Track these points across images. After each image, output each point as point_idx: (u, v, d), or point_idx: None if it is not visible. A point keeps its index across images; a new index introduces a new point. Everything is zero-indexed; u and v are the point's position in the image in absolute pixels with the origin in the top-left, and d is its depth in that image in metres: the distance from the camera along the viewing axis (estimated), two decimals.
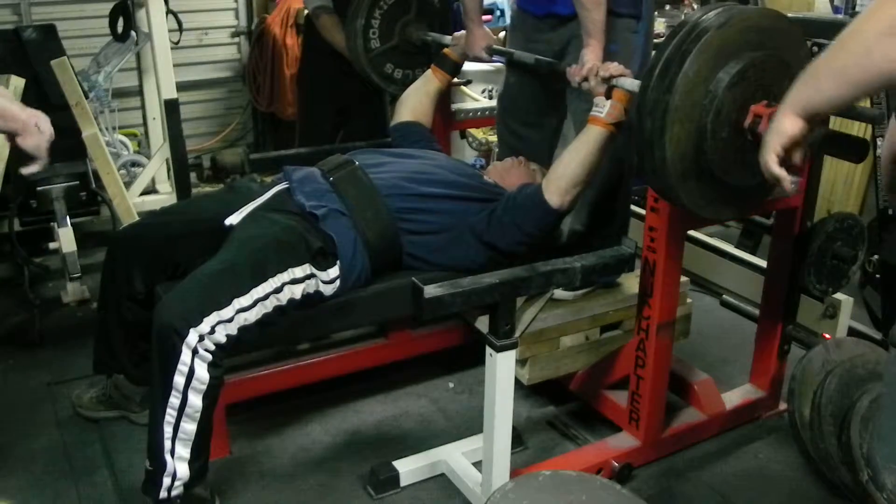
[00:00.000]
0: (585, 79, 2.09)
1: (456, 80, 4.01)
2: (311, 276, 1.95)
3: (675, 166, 1.69)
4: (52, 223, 3.23)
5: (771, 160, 1.38)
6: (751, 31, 1.67)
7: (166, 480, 1.86)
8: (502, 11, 4.98)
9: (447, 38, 2.72)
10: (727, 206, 1.88)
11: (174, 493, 1.88)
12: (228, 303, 1.82)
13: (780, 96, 1.68)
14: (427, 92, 2.63)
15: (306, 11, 3.45)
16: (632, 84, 1.98)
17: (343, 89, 3.36)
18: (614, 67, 2.02)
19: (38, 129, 1.77)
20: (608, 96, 2.03)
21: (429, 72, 2.66)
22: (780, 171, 1.39)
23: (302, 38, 3.80)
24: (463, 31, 2.65)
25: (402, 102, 2.64)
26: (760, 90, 1.67)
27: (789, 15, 2.72)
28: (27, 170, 1.83)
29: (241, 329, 1.84)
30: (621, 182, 2.41)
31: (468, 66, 4.34)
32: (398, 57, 2.94)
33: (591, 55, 2.14)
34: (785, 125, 1.32)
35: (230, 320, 1.82)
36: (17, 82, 3.08)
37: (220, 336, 1.81)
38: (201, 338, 1.79)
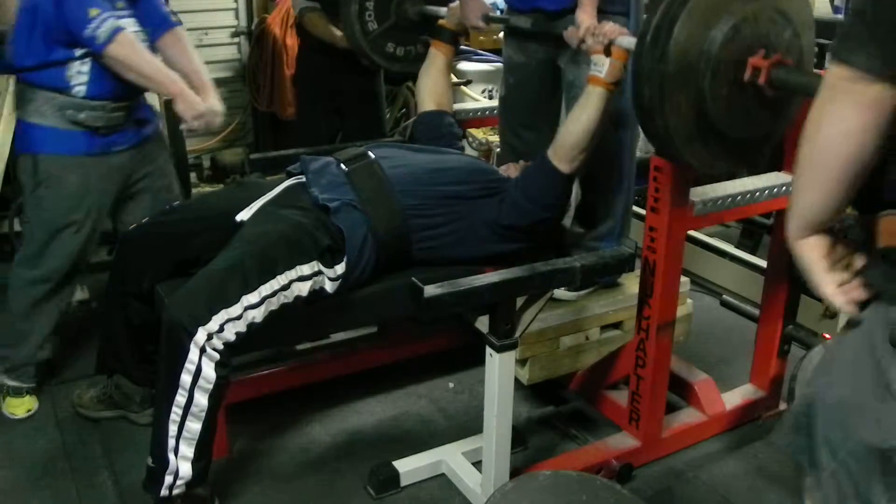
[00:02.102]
0: (583, 40, 2.07)
1: (456, 80, 4.02)
2: (319, 272, 1.95)
3: (677, 132, 1.67)
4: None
5: (828, 293, 1.19)
6: None
7: (168, 479, 1.86)
8: (502, 11, 4.98)
9: (443, 10, 2.69)
10: (738, 159, 1.87)
11: (175, 491, 1.88)
12: (237, 300, 1.82)
13: (778, 45, 1.66)
14: (437, 68, 2.63)
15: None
16: (629, 42, 1.96)
17: (340, 89, 3.36)
18: (610, 29, 2.00)
19: (188, 98, 2.32)
20: (607, 53, 2.02)
21: (431, 49, 2.64)
22: (843, 300, 1.18)
23: (298, 39, 3.82)
24: (457, 2, 2.62)
25: (419, 90, 2.65)
26: (757, 41, 1.64)
27: None
28: (183, 126, 2.40)
29: (250, 326, 1.84)
30: (620, 175, 2.40)
31: (468, 66, 4.37)
32: (398, 35, 2.89)
33: (584, 16, 2.11)
34: (803, 257, 1.21)
35: (239, 318, 1.82)
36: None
37: (230, 334, 1.81)
38: (210, 336, 1.79)
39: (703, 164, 1.80)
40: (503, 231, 2.15)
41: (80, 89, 2.29)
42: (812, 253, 1.20)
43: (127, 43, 2.23)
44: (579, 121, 2.06)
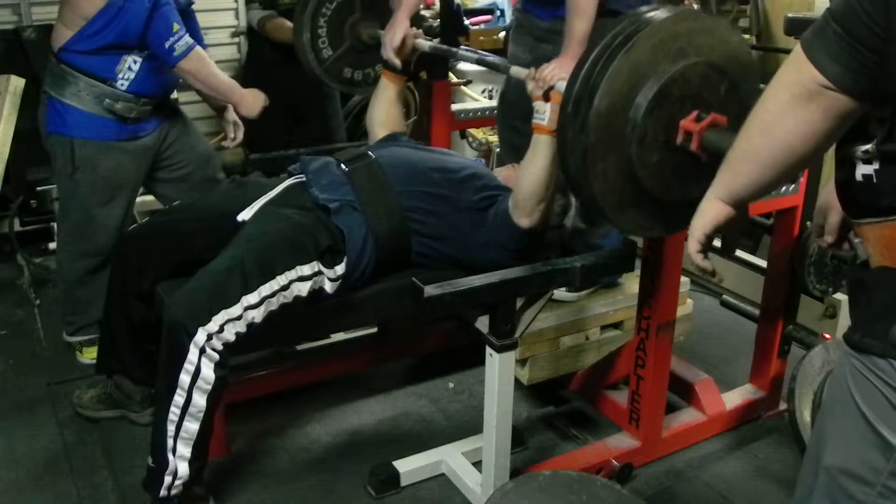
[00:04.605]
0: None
1: (456, 79, 4.02)
2: (319, 273, 1.95)
3: (607, 200, 1.58)
4: (52, 223, 3.23)
5: (693, 249, 1.29)
6: (665, 44, 1.52)
7: (168, 479, 1.87)
8: (502, 11, 4.98)
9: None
10: (678, 222, 1.75)
11: (174, 491, 1.89)
12: (237, 300, 1.82)
13: (712, 102, 1.55)
14: (388, 99, 2.50)
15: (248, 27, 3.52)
16: None
17: (291, 97, 3.37)
18: (549, 73, 1.91)
19: (248, 102, 2.63)
20: (546, 99, 1.92)
21: (382, 78, 2.53)
22: (704, 263, 1.30)
23: (249, 49, 3.83)
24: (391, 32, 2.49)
25: (370, 119, 2.52)
26: (689, 102, 1.55)
27: (789, 15, 2.70)
28: (229, 143, 2.84)
29: (249, 326, 1.84)
30: None
31: (468, 67, 4.37)
32: (354, 58, 2.81)
33: (556, 63, 2.01)
34: (708, 212, 1.24)
35: (238, 318, 1.82)
36: (17, 82, 3.08)
37: (229, 334, 1.81)
38: (210, 336, 1.79)
39: (639, 230, 1.72)
40: (496, 248, 2.08)
41: (124, 84, 2.49)
42: (712, 215, 1.24)
43: (199, 58, 2.52)
44: (530, 172, 1.97)
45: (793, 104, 1.06)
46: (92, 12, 2.41)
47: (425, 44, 2.46)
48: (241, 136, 2.80)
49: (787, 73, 1.07)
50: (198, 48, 2.51)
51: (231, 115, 2.81)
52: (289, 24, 3.30)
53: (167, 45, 2.42)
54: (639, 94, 1.51)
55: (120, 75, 2.47)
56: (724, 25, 1.65)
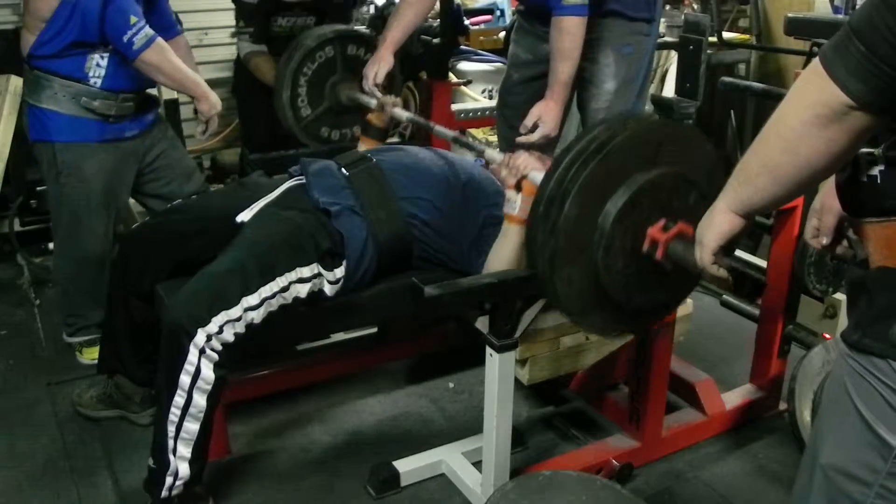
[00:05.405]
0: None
1: (456, 79, 4.02)
2: (318, 275, 1.95)
3: (572, 303, 1.59)
4: (51, 223, 3.23)
5: (708, 262, 1.32)
6: (639, 151, 1.53)
7: (169, 479, 1.87)
8: (502, 11, 4.99)
9: (373, 102, 2.53)
10: (641, 324, 1.79)
11: (175, 492, 1.89)
12: (237, 302, 1.82)
13: (681, 211, 1.56)
14: None
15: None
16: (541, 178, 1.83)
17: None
18: (523, 162, 1.88)
19: (211, 99, 2.58)
20: (518, 188, 1.90)
21: (360, 143, 2.51)
22: (720, 273, 1.34)
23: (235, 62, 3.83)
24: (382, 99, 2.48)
25: None
26: (657, 210, 1.55)
27: (789, 15, 2.70)
28: (199, 128, 2.67)
29: (248, 327, 1.84)
30: None
31: (468, 66, 4.37)
32: (332, 118, 2.79)
33: (537, 110, 2.00)
34: (724, 225, 1.26)
35: (238, 319, 1.82)
36: (17, 82, 3.07)
37: (228, 335, 1.81)
38: (209, 338, 1.79)
39: (603, 332, 1.73)
40: None
41: (97, 81, 2.46)
42: (728, 228, 1.25)
43: (160, 50, 2.43)
44: (499, 257, 1.96)
45: (817, 124, 1.04)
46: (47, 13, 2.38)
47: (404, 114, 2.44)
48: (213, 127, 2.67)
49: (808, 91, 1.05)
50: (159, 40, 2.42)
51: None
52: (270, 67, 3.21)
53: (125, 38, 2.36)
54: (609, 201, 1.52)
55: (90, 73, 2.44)
56: (697, 135, 1.66)
